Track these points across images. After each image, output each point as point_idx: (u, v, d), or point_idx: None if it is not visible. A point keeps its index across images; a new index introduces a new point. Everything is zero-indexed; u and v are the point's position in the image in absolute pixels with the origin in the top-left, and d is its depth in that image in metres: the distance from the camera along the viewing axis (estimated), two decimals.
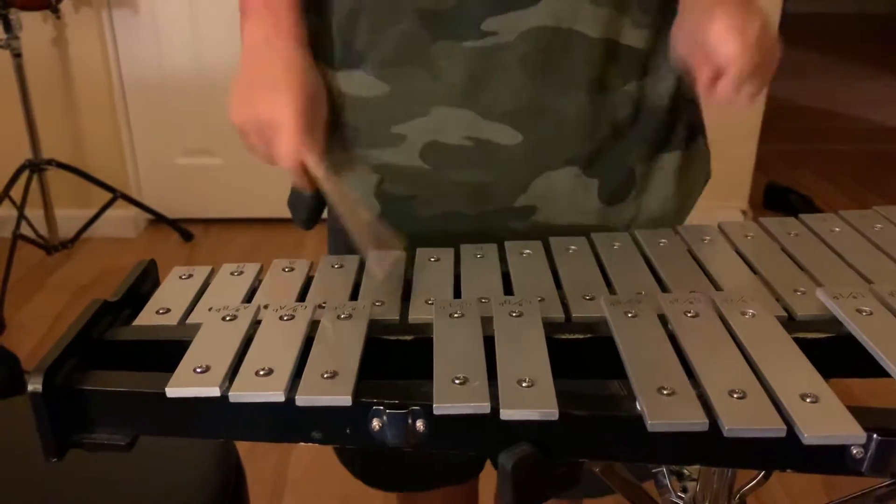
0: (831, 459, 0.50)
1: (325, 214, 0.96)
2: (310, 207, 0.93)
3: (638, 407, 0.50)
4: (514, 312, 0.60)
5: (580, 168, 0.82)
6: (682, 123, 0.87)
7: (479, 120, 0.79)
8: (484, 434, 0.52)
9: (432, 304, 0.63)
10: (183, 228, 2.84)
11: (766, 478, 0.67)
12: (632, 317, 0.59)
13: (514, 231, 0.82)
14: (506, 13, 0.75)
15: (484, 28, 0.76)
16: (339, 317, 0.61)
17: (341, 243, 0.94)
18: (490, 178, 0.82)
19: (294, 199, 0.94)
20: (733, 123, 2.64)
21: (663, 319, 0.59)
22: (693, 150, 0.88)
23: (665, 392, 0.50)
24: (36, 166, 2.53)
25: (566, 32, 0.76)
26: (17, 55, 2.42)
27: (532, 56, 0.77)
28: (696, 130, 0.89)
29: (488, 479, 1.16)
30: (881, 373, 0.55)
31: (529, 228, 0.83)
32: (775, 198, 3.07)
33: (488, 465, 1.10)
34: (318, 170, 0.74)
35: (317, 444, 0.56)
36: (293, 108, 0.74)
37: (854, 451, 0.49)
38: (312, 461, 1.78)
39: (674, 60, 0.75)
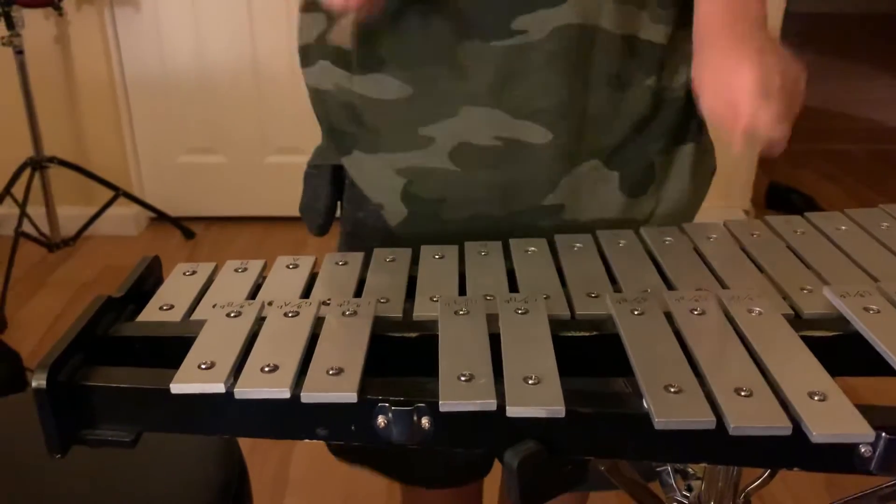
0: (839, 458, 0.49)
1: (337, 213, 0.95)
2: (323, 213, 0.92)
3: (645, 405, 0.50)
4: (520, 310, 0.60)
5: (601, 161, 0.83)
6: (695, 116, 0.87)
7: (509, 119, 0.79)
8: (490, 431, 0.52)
9: (437, 301, 0.63)
10: (185, 226, 2.84)
11: (771, 476, 0.67)
12: (638, 314, 0.59)
13: (542, 230, 0.82)
14: (535, 11, 0.75)
15: (514, 27, 0.76)
16: (343, 314, 0.60)
17: (352, 247, 0.94)
18: (520, 178, 0.82)
19: (307, 205, 0.93)
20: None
21: (669, 317, 0.59)
22: (703, 142, 0.89)
23: (672, 390, 0.50)
24: (38, 164, 2.53)
25: (591, 29, 0.76)
26: (20, 52, 2.42)
27: (560, 54, 0.76)
28: (701, 122, 0.89)
29: (491, 482, 1.16)
30: (889, 371, 0.55)
31: (557, 226, 0.83)
32: (777, 198, 3.07)
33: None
34: None
35: (320, 442, 0.56)
36: None
37: (862, 450, 0.49)
38: (314, 459, 1.78)
39: (702, 109, 0.75)
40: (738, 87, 0.68)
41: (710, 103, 0.73)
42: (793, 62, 0.70)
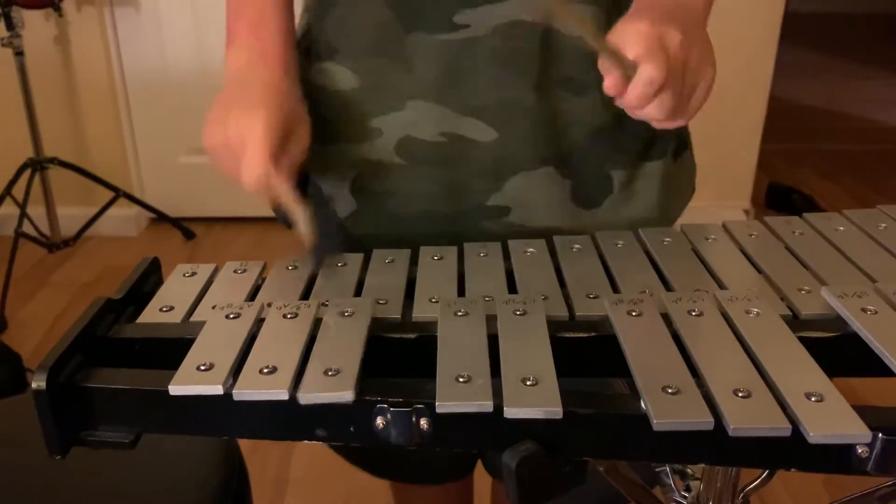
0: (836, 459, 0.50)
1: None
2: None
3: (643, 406, 0.50)
4: (518, 311, 0.60)
5: (553, 167, 0.81)
6: (670, 133, 0.84)
7: (452, 115, 0.78)
8: (488, 432, 0.52)
9: (436, 302, 0.63)
10: (185, 227, 2.84)
11: (769, 477, 0.67)
12: (635, 315, 0.59)
13: (487, 233, 0.81)
14: (479, 6, 0.74)
15: (456, 21, 0.75)
16: (342, 314, 0.61)
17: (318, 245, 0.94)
18: (464, 176, 0.81)
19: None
20: (735, 123, 2.64)
21: (667, 318, 0.59)
22: (680, 162, 0.87)
23: (670, 391, 0.50)
24: (38, 164, 2.53)
25: (540, 27, 0.75)
26: (20, 53, 2.42)
27: (506, 51, 0.76)
28: (684, 142, 0.88)
29: (484, 481, 1.16)
30: (886, 372, 0.55)
31: (502, 229, 0.82)
32: (778, 197, 3.07)
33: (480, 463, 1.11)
34: (284, 195, 0.68)
35: (320, 443, 0.56)
36: (263, 126, 0.68)
37: (859, 451, 0.49)
38: (314, 460, 1.78)
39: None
40: (627, 31, 0.63)
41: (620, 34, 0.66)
42: (709, 66, 0.66)
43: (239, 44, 0.78)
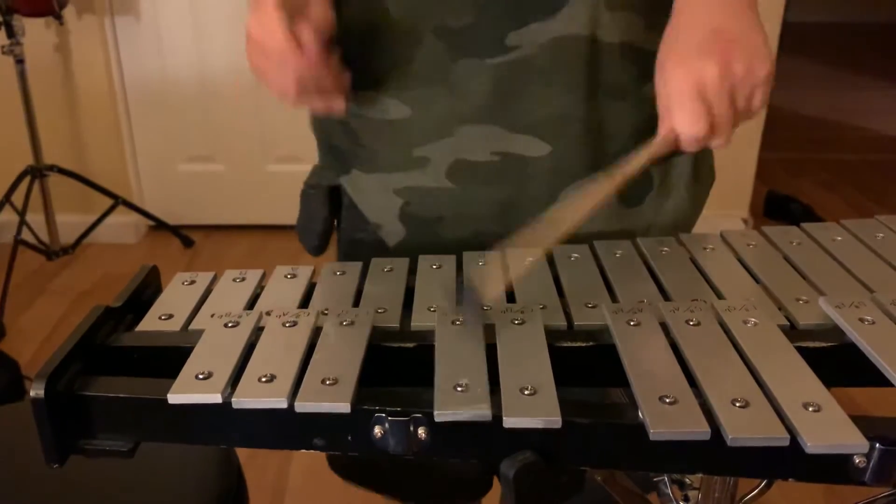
0: (834, 468, 0.50)
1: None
2: (319, 233, 0.91)
3: (640, 416, 0.50)
4: (517, 320, 0.60)
5: (603, 172, 0.82)
6: None
7: (505, 134, 0.79)
8: (486, 442, 0.52)
9: (434, 311, 0.63)
10: (184, 235, 2.84)
11: (767, 486, 0.67)
12: (634, 325, 0.59)
13: None
14: (527, 26, 0.75)
15: (507, 43, 0.75)
16: (341, 323, 0.61)
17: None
18: (519, 192, 0.82)
19: (303, 225, 0.93)
20: (735, 132, 2.64)
21: (665, 328, 0.59)
22: (702, 152, 0.88)
23: (667, 401, 0.50)
24: (38, 172, 2.53)
25: (587, 40, 0.76)
26: (20, 61, 2.42)
27: (556, 66, 0.76)
28: None
29: (492, 499, 1.15)
30: (883, 382, 0.55)
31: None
32: (776, 207, 3.07)
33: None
34: (309, 38, 0.67)
35: (318, 452, 0.56)
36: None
37: (857, 461, 0.49)
38: (313, 468, 1.78)
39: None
40: (671, 88, 0.66)
41: (658, 84, 0.70)
42: (762, 63, 0.66)
43: None
